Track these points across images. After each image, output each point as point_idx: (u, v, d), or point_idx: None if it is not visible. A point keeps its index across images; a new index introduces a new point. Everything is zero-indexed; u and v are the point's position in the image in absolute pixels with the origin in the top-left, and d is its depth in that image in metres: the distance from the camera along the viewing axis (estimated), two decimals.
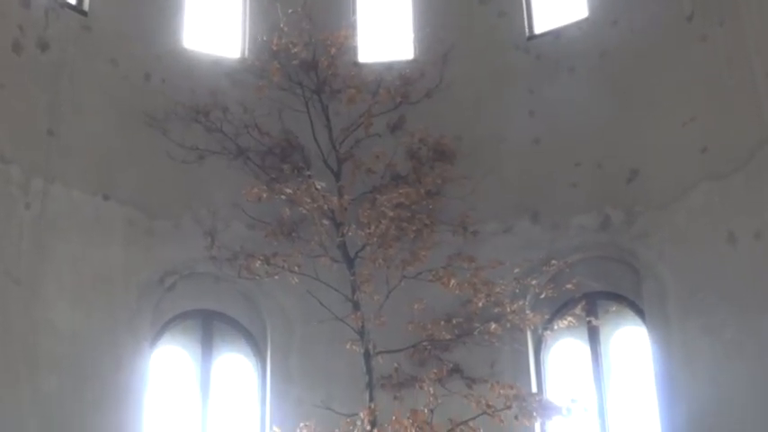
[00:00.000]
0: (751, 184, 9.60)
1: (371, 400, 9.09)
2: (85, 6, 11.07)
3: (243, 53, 11.78)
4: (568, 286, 10.24)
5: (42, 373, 9.83)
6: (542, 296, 10.38)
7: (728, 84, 9.94)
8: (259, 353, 11.34)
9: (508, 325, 10.15)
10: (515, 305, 10.08)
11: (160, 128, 10.73)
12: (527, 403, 8.74)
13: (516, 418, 8.76)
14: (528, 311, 10.47)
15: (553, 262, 10.52)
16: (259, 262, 10.01)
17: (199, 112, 10.75)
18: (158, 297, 10.90)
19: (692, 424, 9.58)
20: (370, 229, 9.70)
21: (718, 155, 9.95)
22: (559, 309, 10.80)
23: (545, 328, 10.60)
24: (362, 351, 9.45)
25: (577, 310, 10.35)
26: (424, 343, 10.41)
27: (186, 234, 10.85)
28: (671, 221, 10.30)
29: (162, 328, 11.01)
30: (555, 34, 11.46)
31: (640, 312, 10.54)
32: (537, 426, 10.28)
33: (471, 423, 8.63)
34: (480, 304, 9.99)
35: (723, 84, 9.99)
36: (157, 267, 10.88)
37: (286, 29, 10.77)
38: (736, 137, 9.77)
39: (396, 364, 10.38)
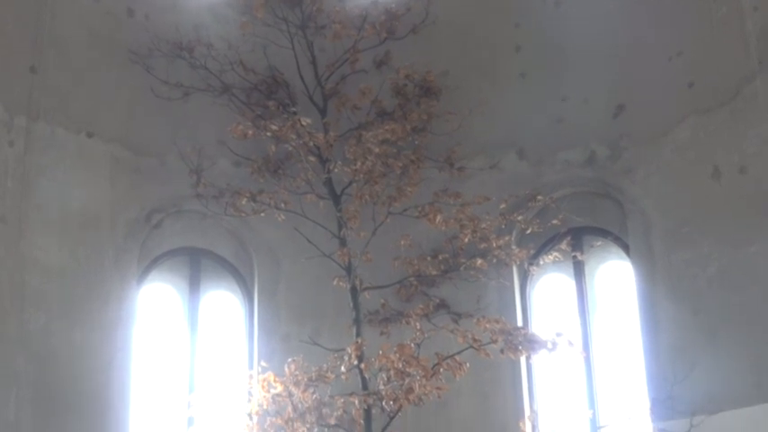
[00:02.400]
0: (737, 119, 9.60)
1: (358, 335, 9.15)
2: None
3: None
4: (554, 221, 10.30)
5: (29, 310, 9.85)
6: (528, 231, 10.43)
7: (716, 18, 9.88)
8: (246, 290, 11.40)
9: (494, 260, 10.20)
10: (501, 240, 10.12)
11: (144, 64, 10.61)
12: (513, 337, 8.80)
13: (502, 351, 8.83)
14: (514, 247, 10.51)
15: (539, 197, 10.56)
16: (245, 199, 9.99)
17: (183, 49, 10.63)
18: (145, 235, 10.90)
19: (676, 357, 9.70)
20: (356, 165, 9.68)
21: (704, 90, 9.93)
22: (545, 244, 10.86)
23: (531, 264, 10.66)
24: (349, 287, 9.49)
25: (563, 245, 10.41)
26: (411, 279, 10.47)
27: (172, 171, 10.82)
28: (657, 156, 10.31)
29: (149, 265, 11.03)
30: None
31: (625, 247, 10.61)
32: (522, 360, 10.42)
33: (457, 357, 8.69)
34: (466, 240, 10.02)
35: (710, 18, 9.92)
36: (144, 205, 10.87)
37: None
38: (723, 72, 9.74)
39: (382, 300, 10.45)
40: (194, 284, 11.30)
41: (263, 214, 10.06)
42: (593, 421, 9.88)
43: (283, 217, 9.98)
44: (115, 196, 10.73)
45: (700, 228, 9.87)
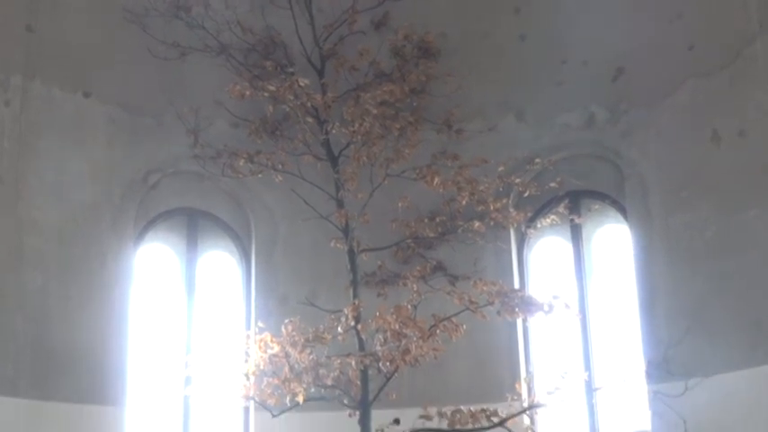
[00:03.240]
0: (736, 83, 9.56)
1: (356, 296, 9.17)
2: None
3: None
4: (552, 184, 10.28)
5: (27, 270, 9.87)
6: (526, 194, 10.42)
7: None
8: (243, 251, 11.42)
9: (491, 223, 10.20)
10: (499, 203, 10.11)
11: (140, 24, 10.54)
12: (509, 299, 8.82)
13: (499, 313, 8.85)
14: (511, 209, 10.51)
15: (537, 160, 10.54)
16: (243, 160, 9.97)
17: (180, 8, 10.56)
18: (142, 195, 10.90)
19: (672, 321, 9.73)
20: (353, 126, 9.64)
21: (704, 53, 9.87)
22: (543, 207, 10.87)
23: (528, 226, 10.66)
24: (347, 249, 9.49)
25: (560, 209, 10.41)
26: (408, 241, 10.47)
27: (169, 132, 10.78)
28: (656, 120, 10.28)
29: (146, 226, 11.03)
30: None
31: (623, 210, 10.61)
32: (519, 322, 10.46)
33: (454, 319, 8.71)
34: (464, 202, 10.02)
35: None
36: (140, 165, 10.85)
37: None
38: (723, 34, 9.68)
39: (379, 262, 10.46)
40: (191, 245, 11.31)
41: (260, 175, 10.05)
42: (589, 383, 9.93)
43: (281, 178, 9.96)
44: (112, 157, 10.71)
45: (698, 191, 9.86)
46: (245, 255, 11.40)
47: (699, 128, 9.88)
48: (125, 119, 10.79)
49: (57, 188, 10.29)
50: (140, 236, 10.97)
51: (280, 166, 9.90)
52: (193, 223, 11.37)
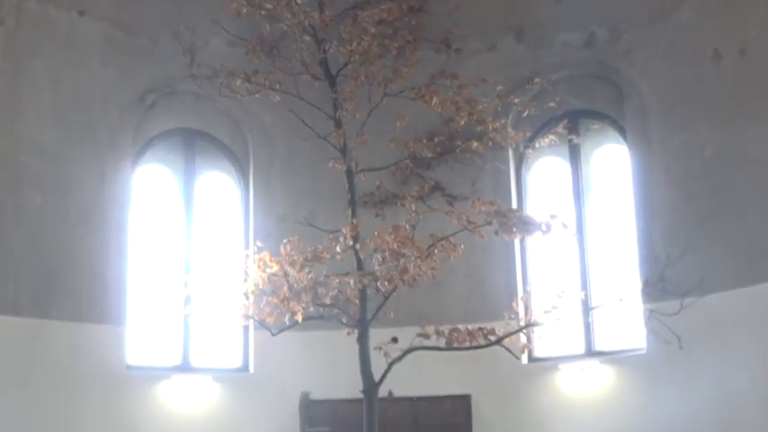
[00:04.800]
0: (738, 1, 9.46)
1: (354, 216, 9.17)
2: None
3: None
4: (551, 104, 10.24)
5: (25, 190, 9.88)
6: (525, 114, 10.38)
7: None
8: (242, 171, 11.41)
9: (490, 143, 10.17)
10: (497, 123, 10.06)
11: None
12: (507, 219, 8.80)
13: (496, 233, 8.85)
14: (510, 129, 10.48)
15: (536, 80, 10.49)
16: (240, 80, 9.85)
17: None
18: (139, 115, 10.86)
19: (668, 240, 9.79)
20: (351, 45, 9.52)
21: None
22: (541, 127, 10.85)
23: (527, 146, 10.64)
24: (345, 169, 9.45)
25: (559, 128, 10.39)
26: (406, 161, 10.45)
27: (165, 52, 10.68)
28: (656, 38, 10.19)
29: (144, 146, 11.00)
30: None
31: (622, 130, 10.59)
32: (516, 242, 10.50)
33: (452, 238, 8.72)
34: (462, 122, 9.96)
35: None
36: (137, 85, 10.79)
37: None
38: None
39: (378, 182, 10.46)
40: (189, 166, 11.30)
41: (257, 95, 9.96)
42: (585, 302, 9.98)
43: (278, 98, 9.88)
44: (108, 76, 10.64)
45: (697, 111, 9.83)
46: (243, 175, 11.39)
47: (699, 47, 9.81)
48: (120, 38, 10.69)
49: (53, 108, 10.25)
50: (138, 156, 10.95)
51: (277, 86, 9.80)
52: (191, 144, 11.34)
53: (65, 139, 10.24)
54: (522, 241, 10.56)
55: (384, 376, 8.63)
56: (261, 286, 8.84)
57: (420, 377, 10.00)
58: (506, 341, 8.66)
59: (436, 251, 8.61)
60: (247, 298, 9.02)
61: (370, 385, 8.63)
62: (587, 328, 10.44)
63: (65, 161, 10.19)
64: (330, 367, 10.50)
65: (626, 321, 10.16)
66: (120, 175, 10.55)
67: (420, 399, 10.62)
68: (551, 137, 10.39)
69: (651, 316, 9.46)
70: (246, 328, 10.68)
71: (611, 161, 10.87)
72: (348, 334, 8.91)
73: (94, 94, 10.54)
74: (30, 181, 9.93)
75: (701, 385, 9.40)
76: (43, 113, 10.17)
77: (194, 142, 11.35)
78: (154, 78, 10.86)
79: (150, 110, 10.97)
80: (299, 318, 8.56)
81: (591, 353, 10.42)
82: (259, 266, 8.81)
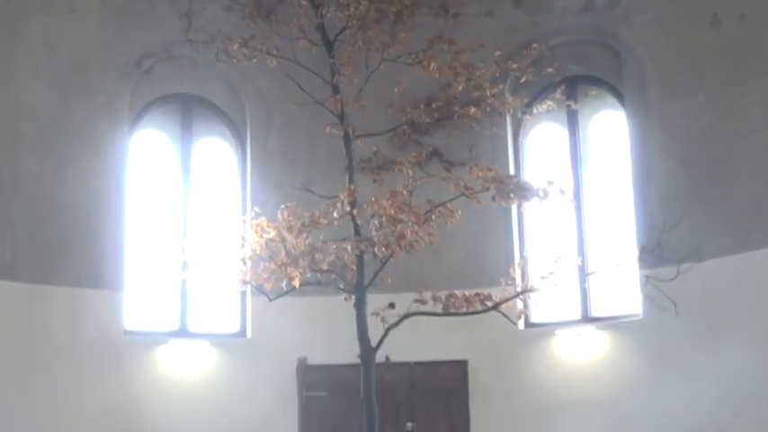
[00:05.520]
0: None
1: (351, 182, 9.16)
2: None
3: None
4: (549, 70, 10.17)
5: (22, 155, 9.87)
6: (522, 80, 10.31)
7: None
8: (239, 137, 11.39)
9: (488, 109, 10.12)
10: (495, 89, 10.00)
11: None
12: (504, 185, 8.79)
13: (494, 199, 8.85)
14: (508, 95, 10.45)
15: (534, 45, 10.41)
16: (237, 45, 9.80)
17: None
18: (136, 80, 10.83)
19: (665, 206, 9.79)
20: (349, 10, 9.46)
21: None
22: (539, 92, 10.81)
23: (524, 112, 10.62)
24: (342, 134, 9.43)
25: (557, 94, 10.34)
26: (404, 126, 10.42)
27: (162, 16, 10.61)
28: (654, 4, 10.14)
29: (141, 111, 10.98)
30: None
31: (620, 96, 10.56)
32: (514, 208, 10.51)
33: (449, 204, 8.72)
34: (460, 88, 9.90)
35: None
36: (134, 50, 10.75)
37: None
38: None
39: (375, 148, 10.42)
40: (186, 131, 11.28)
41: (254, 60, 9.90)
42: (582, 268, 10.02)
43: (275, 63, 9.83)
44: (104, 41, 10.59)
45: (696, 77, 9.81)
46: (240, 141, 11.37)
47: (699, 12, 9.76)
48: (117, 2, 10.65)
49: (49, 72, 10.22)
50: (135, 122, 10.92)
51: (274, 51, 9.75)
52: (188, 109, 11.31)
53: (61, 104, 10.21)
54: (519, 207, 10.58)
55: (381, 342, 8.66)
56: (258, 252, 8.85)
57: (417, 343, 10.05)
58: (503, 307, 8.69)
59: (433, 217, 8.61)
60: (245, 263, 9.04)
61: (367, 350, 8.67)
62: (584, 293, 10.48)
63: (61, 126, 10.17)
64: (327, 332, 10.55)
65: (622, 287, 10.19)
66: (117, 140, 10.53)
67: (417, 364, 10.68)
68: (549, 103, 10.35)
69: (647, 282, 9.51)
70: (244, 293, 10.70)
71: (609, 127, 10.85)
72: (345, 299, 8.93)
73: (91, 59, 10.50)
74: (26, 146, 9.91)
75: (697, 351, 9.44)
76: (39, 79, 10.14)
77: (191, 108, 11.32)
78: (150, 43, 10.81)
79: (147, 75, 10.93)
80: (297, 283, 8.58)
81: (587, 318, 10.46)
82: (256, 232, 8.81)
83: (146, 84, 10.97)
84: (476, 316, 8.71)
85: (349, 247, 8.72)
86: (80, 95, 10.34)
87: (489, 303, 8.63)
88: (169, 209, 11.07)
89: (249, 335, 10.88)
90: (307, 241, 8.64)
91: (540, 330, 10.58)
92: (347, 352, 9.05)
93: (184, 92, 11.27)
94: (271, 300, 9.03)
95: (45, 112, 10.10)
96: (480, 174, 8.82)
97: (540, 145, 11.24)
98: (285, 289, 8.80)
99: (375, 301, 8.86)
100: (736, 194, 9.36)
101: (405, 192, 8.69)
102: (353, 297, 8.85)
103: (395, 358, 10.31)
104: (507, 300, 8.70)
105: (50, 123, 10.10)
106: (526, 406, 10.34)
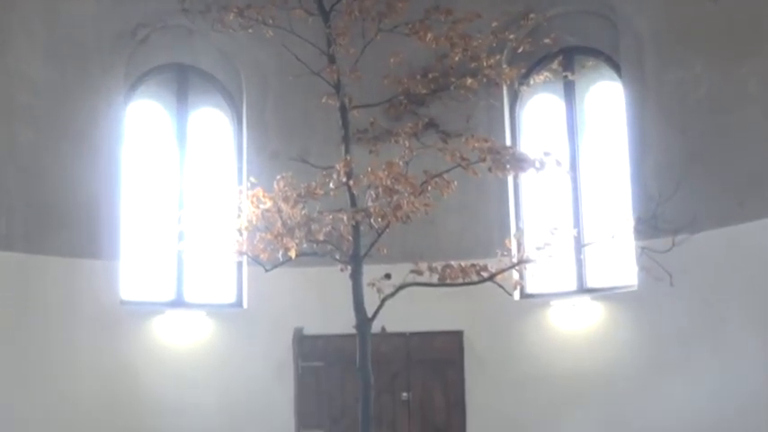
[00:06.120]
0: None
1: (347, 153, 9.13)
2: None
3: None
4: (546, 41, 10.12)
5: (18, 125, 9.86)
6: (519, 50, 10.25)
7: None
8: (235, 107, 11.37)
9: (484, 80, 10.06)
10: (492, 59, 9.95)
11: None
12: (501, 156, 8.76)
13: (490, 170, 8.81)
14: (505, 66, 10.38)
15: (531, 15, 10.37)
16: (232, 14, 9.72)
17: None
18: (131, 50, 10.79)
19: (661, 177, 9.79)
20: None
21: None
22: (536, 63, 10.81)
23: (521, 83, 10.54)
24: (338, 105, 9.38)
25: (554, 65, 10.28)
26: (400, 97, 10.36)
27: None
28: None
29: (136, 81, 10.95)
30: None
31: (616, 67, 10.54)
32: (510, 179, 10.51)
33: (445, 175, 8.70)
34: (457, 58, 9.84)
35: None
36: (129, 19, 10.71)
37: None
38: None
39: (371, 118, 10.40)
40: (182, 101, 11.25)
41: (250, 30, 9.84)
42: (578, 239, 10.04)
43: (271, 33, 9.78)
44: (99, 10, 10.55)
45: (693, 48, 9.78)
46: (236, 111, 11.35)
47: None
48: None
49: (45, 42, 10.19)
50: (130, 92, 10.91)
51: (270, 21, 9.68)
52: (183, 79, 11.28)
53: (57, 73, 10.19)
54: (515, 178, 10.58)
55: (377, 312, 8.67)
56: (254, 222, 8.84)
57: (413, 313, 10.07)
58: (499, 278, 8.69)
59: (429, 188, 8.58)
60: (241, 234, 9.02)
61: (363, 321, 8.68)
62: (579, 264, 10.51)
63: (57, 96, 10.15)
64: (323, 303, 10.59)
65: (618, 258, 10.22)
66: (113, 110, 10.51)
67: (413, 334, 10.73)
68: (546, 74, 10.29)
69: (643, 253, 9.53)
70: (240, 263, 10.72)
71: (606, 98, 10.85)
72: (341, 270, 8.94)
73: (86, 28, 10.46)
74: (22, 116, 9.89)
75: (692, 321, 9.49)
76: (35, 49, 10.11)
77: (187, 78, 11.29)
78: (146, 13, 10.76)
79: (142, 45, 10.89)
80: (293, 254, 8.57)
81: (582, 289, 10.50)
82: (252, 202, 8.80)
83: (141, 54, 10.93)
84: (472, 287, 8.71)
85: (345, 218, 8.71)
86: (75, 65, 10.31)
87: (485, 274, 8.63)
88: (165, 179, 11.05)
89: (245, 305, 10.91)
90: (303, 212, 8.63)
91: (535, 301, 10.61)
92: (343, 322, 9.06)
93: (180, 62, 11.25)
94: (267, 270, 9.03)
95: (40, 81, 10.08)
96: (476, 145, 8.79)
97: (537, 116, 11.23)
98: (281, 259, 8.80)
99: (371, 271, 8.86)
100: (732, 165, 9.37)
101: (401, 162, 8.66)
102: (349, 268, 8.85)
103: (391, 329, 10.33)
104: (503, 270, 8.70)
105: (46, 93, 10.08)
106: (521, 376, 10.40)
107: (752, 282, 9.16)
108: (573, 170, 10.33)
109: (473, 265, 8.64)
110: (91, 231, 10.13)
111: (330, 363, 10.69)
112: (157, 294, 10.76)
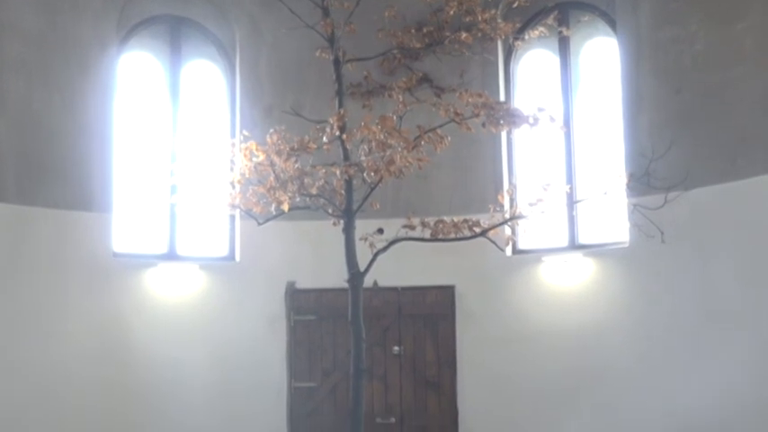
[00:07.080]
0: None
1: (341, 106, 9.11)
2: None
3: None
4: None
5: (9, 75, 9.76)
6: (515, 5, 10.24)
7: None
8: (228, 60, 11.29)
9: (479, 34, 10.03)
10: (487, 14, 9.92)
11: None
12: (494, 111, 8.75)
13: (483, 125, 8.81)
14: (500, 20, 10.34)
15: None
16: None
17: None
18: (124, 1, 10.68)
19: (655, 134, 9.78)
20: None
21: None
22: (531, 18, 10.75)
23: (516, 38, 10.52)
24: (332, 59, 9.35)
25: (549, 20, 10.26)
26: (394, 51, 10.33)
27: None
28: None
29: (129, 32, 10.86)
30: None
31: (612, 23, 10.48)
32: (503, 134, 10.50)
33: (439, 130, 8.68)
34: (451, 13, 9.82)
35: None
36: None
37: None
38: None
39: (365, 72, 10.39)
40: (175, 54, 11.17)
41: None
42: (570, 196, 10.05)
43: None
44: None
45: (688, 3, 9.72)
46: (229, 64, 11.28)
47: None
48: None
49: None
50: (123, 43, 10.81)
51: None
52: (177, 31, 11.19)
53: (48, 24, 10.08)
54: (508, 134, 10.59)
55: (369, 266, 8.70)
56: (247, 176, 8.84)
57: (405, 268, 10.13)
58: (491, 233, 8.72)
59: (423, 143, 8.57)
60: (234, 187, 9.03)
61: (356, 275, 8.71)
62: (571, 221, 10.53)
63: (49, 47, 10.05)
64: (316, 257, 10.61)
65: (610, 215, 10.24)
66: (105, 61, 10.43)
67: (405, 289, 10.77)
68: (541, 29, 10.28)
69: (635, 210, 9.55)
70: (233, 217, 10.72)
71: (601, 54, 10.80)
72: (334, 224, 8.96)
73: None
74: (13, 67, 9.80)
75: (683, 278, 9.53)
76: None
77: (180, 30, 11.20)
78: None
79: None
80: (286, 207, 8.57)
81: (574, 246, 10.52)
82: (245, 156, 8.78)
83: (134, 4, 10.83)
84: (464, 242, 8.75)
85: (338, 172, 8.71)
86: (67, 16, 10.20)
87: (477, 230, 8.66)
88: (158, 131, 11.01)
89: (238, 258, 10.92)
90: (296, 165, 8.62)
91: (527, 257, 10.64)
92: (335, 276, 9.10)
93: (173, 13, 11.14)
94: (260, 224, 9.04)
95: (32, 32, 9.97)
96: (470, 100, 8.77)
97: (531, 71, 11.19)
98: (274, 213, 8.81)
99: (364, 226, 8.89)
100: (725, 123, 9.36)
101: (394, 117, 8.63)
102: (342, 222, 8.87)
103: (383, 283, 10.40)
104: (495, 226, 8.73)
105: (37, 44, 9.98)
106: (512, 331, 10.46)
107: (743, 239, 9.19)
108: (566, 126, 10.30)
109: (465, 221, 8.67)
110: (83, 183, 10.10)
111: (322, 316, 10.74)
112: (150, 247, 10.76)
